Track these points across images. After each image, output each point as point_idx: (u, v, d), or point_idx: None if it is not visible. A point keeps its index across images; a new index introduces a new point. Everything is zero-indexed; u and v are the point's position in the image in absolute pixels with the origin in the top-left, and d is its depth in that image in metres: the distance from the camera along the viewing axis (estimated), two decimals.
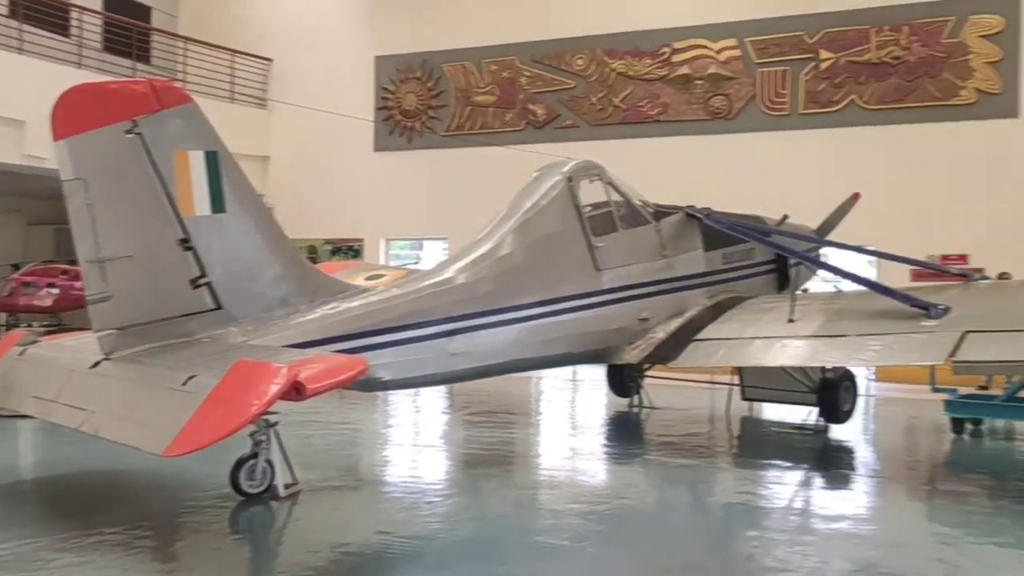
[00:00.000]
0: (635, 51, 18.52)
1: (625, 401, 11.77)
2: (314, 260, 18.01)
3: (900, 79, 16.47)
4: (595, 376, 12.81)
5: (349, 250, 20.71)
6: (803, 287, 11.08)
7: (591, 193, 8.91)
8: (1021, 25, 15.69)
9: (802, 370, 9.77)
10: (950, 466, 8.99)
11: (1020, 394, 9.91)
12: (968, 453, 9.41)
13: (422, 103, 20.48)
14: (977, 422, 10.23)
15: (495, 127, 19.72)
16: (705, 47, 17.93)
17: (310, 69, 21.09)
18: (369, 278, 10.83)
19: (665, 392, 11.76)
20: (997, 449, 9.65)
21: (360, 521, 6.12)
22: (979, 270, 12.55)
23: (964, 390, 10.53)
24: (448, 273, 7.75)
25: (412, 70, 20.59)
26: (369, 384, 6.65)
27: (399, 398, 11.71)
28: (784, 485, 7.83)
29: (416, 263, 19.88)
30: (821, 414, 10.15)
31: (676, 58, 18.18)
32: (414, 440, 9.98)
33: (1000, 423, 10.50)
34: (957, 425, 10.04)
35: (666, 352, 8.62)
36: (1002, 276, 12.97)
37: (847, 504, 7.24)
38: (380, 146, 20.85)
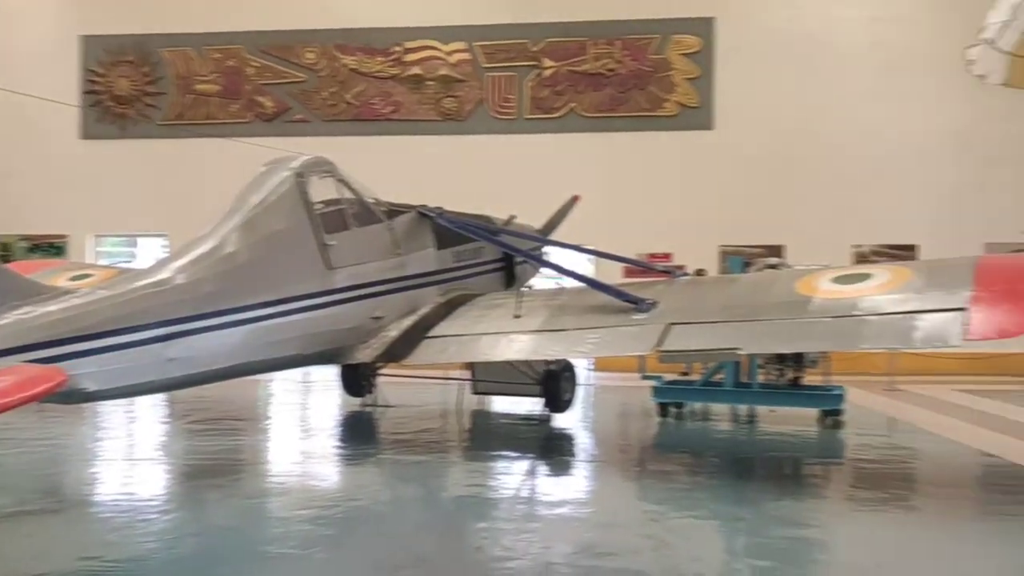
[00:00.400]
0: (367, 48, 18.42)
1: (359, 400, 11.67)
2: (7, 259, 16.12)
3: (614, 90, 17.75)
4: (328, 376, 12.56)
5: (50, 247, 18.71)
6: (528, 284, 11.60)
7: (322, 190, 8.73)
8: (714, 46, 17.48)
9: (527, 363, 10.19)
10: (657, 447, 9.82)
11: (714, 379, 11.07)
12: (672, 434, 10.33)
13: (137, 89, 19.00)
14: (680, 405, 11.26)
15: (220, 118, 18.75)
16: (436, 48, 18.24)
17: (1, 44, 18.80)
18: (74, 278, 9.89)
19: (400, 390, 11.79)
20: (696, 429, 10.66)
21: (61, 547, 5.53)
22: (681, 267, 13.78)
23: (669, 377, 11.57)
24: (165, 273, 7.23)
25: (125, 52, 19.04)
26: (71, 396, 6.04)
27: (109, 409, 10.77)
28: (511, 475, 8.15)
29: (130, 262, 18.38)
30: (545, 404, 10.67)
31: (408, 57, 18.33)
32: (127, 454, 9.22)
33: (699, 406, 11.62)
34: (663, 409, 11.00)
35: (399, 350, 8.65)
36: (699, 272, 14.36)
37: (568, 489, 7.67)
38: (88, 133, 19.08)
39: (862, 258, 16.46)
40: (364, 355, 8.70)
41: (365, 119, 18.39)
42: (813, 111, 16.97)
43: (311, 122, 18.47)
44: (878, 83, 16.92)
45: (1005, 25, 13.38)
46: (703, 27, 17.53)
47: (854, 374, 12.98)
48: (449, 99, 18.18)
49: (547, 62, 17.92)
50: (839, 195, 16.71)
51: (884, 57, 16.92)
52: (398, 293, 9.10)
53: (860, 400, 12.06)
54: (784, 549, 5.67)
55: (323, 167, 8.83)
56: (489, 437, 10.40)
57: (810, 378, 11.20)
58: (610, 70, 17.72)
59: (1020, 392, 13.82)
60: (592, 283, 9.08)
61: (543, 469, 8.57)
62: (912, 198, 16.68)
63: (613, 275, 12.53)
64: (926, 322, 6.44)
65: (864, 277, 7.40)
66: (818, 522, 6.45)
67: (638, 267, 12.50)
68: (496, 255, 10.84)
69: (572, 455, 9.29)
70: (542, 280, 12.84)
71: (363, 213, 9.06)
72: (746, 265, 11.67)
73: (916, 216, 16.61)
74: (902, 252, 16.33)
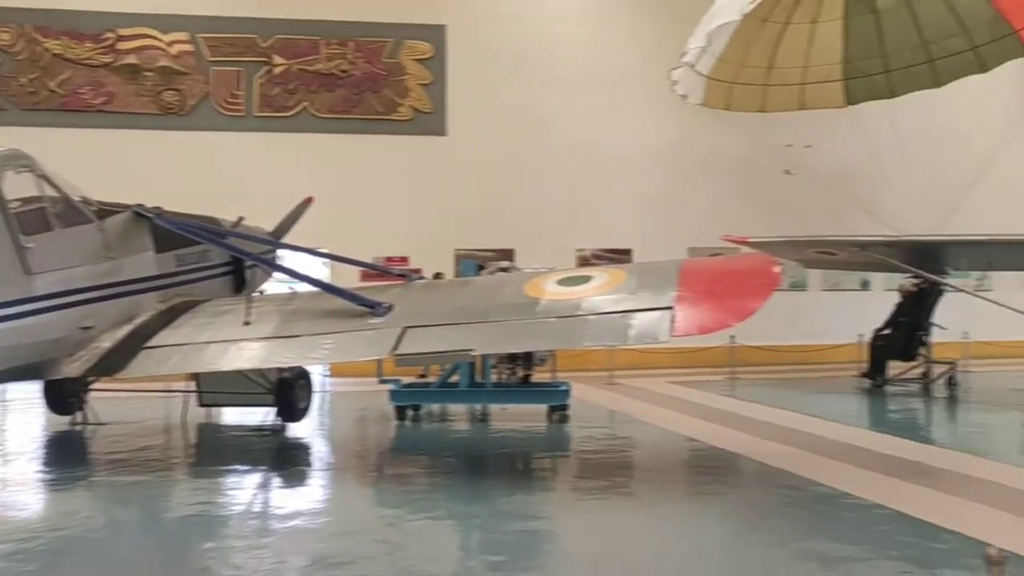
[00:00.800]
0: (74, 32, 16.80)
1: (67, 419, 10.61)
2: None
3: (348, 91, 17.54)
4: (30, 393, 11.30)
5: None
6: (260, 289, 11.16)
7: (19, 187, 7.87)
8: (446, 54, 17.82)
9: (259, 371, 9.80)
10: (395, 451, 9.84)
11: (450, 380, 11.29)
12: (410, 437, 10.39)
13: None
14: (417, 408, 11.35)
15: None
16: (154, 37, 17.02)
17: None
18: None
19: (114, 405, 10.88)
20: (433, 431, 10.81)
21: None
22: (417, 271, 13.93)
23: (406, 380, 11.63)
24: None
25: None
26: None
27: None
28: (242, 489, 7.78)
29: None
30: (279, 413, 10.32)
31: (122, 45, 16.94)
32: None
33: (436, 407, 11.79)
34: (401, 412, 11.03)
35: (114, 362, 8.01)
36: (436, 276, 14.62)
37: (303, 500, 7.45)
38: None
39: (584, 261, 17.53)
40: (72, 369, 7.98)
41: (72, 110, 16.75)
42: (539, 120, 17.80)
43: (6, 110, 16.52)
44: (596, 97, 18.10)
45: (702, 51, 14.82)
46: (435, 34, 17.81)
47: (578, 370, 13.83)
48: (170, 92, 17.04)
49: (277, 59, 17.34)
50: (564, 201, 17.66)
51: (602, 73, 18.13)
52: (111, 300, 8.42)
53: (584, 395, 12.82)
54: (516, 542, 5.88)
55: (20, 161, 7.95)
56: (217, 451, 9.87)
57: (539, 375, 11.77)
58: (343, 71, 17.51)
59: (719, 382, 15.42)
60: (327, 287, 8.93)
61: (276, 481, 8.27)
62: (627, 205, 18.01)
63: (350, 279, 12.38)
64: (639, 320, 6.95)
65: (585, 279, 7.86)
66: (547, 514, 6.77)
67: (374, 271, 12.46)
68: (224, 259, 10.34)
69: (307, 465, 9.05)
70: (275, 285, 12.42)
71: (69, 213, 8.27)
72: (479, 268, 12.02)
73: (630, 222, 17.96)
74: (619, 255, 17.61)
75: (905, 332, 14.47)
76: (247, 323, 8.05)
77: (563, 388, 11.22)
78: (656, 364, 16.04)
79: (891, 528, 6.12)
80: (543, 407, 11.08)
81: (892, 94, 16.24)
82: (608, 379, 15.14)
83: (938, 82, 15.85)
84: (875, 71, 16.27)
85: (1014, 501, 6.92)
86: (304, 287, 9.44)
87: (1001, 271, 16.52)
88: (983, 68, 15.22)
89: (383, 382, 11.42)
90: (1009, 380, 15.30)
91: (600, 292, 7.46)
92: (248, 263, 10.56)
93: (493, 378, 11.30)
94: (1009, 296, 15.33)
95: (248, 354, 7.87)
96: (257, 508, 7.19)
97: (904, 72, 16.04)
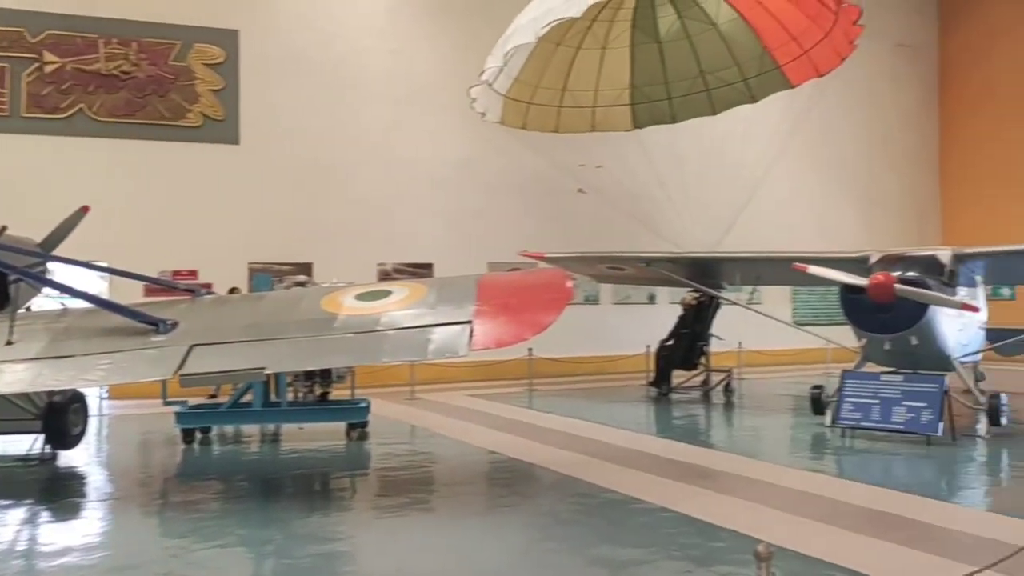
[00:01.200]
0: None
1: None
2: None
3: (130, 94, 16.44)
4: None
5: None
6: (26, 306, 10.19)
7: None
8: (239, 59, 17.13)
9: (25, 396, 8.95)
10: (181, 477, 9.26)
11: (244, 399, 10.81)
12: (198, 462, 9.84)
13: None
14: (206, 430, 10.79)
15: None
16: None
17: None
18: None
19: None
20: (224, 453, 10.30)
21: None
22: (207, 285, 13.27)
23: (194, 401, 11.01)
24: None
25: None
26: None
27: None
28: (3, 527, 7.04)
29: None
30: (48, 441, 9.47)
31: None
32: None
33: (228, 429, 11.25)
34: (188, 435, 10.44)
35: None
36: (232, 291, 13.99)
37: (76, 535, 6.82)
38: None
39: (385, 275, 17.39)
40: None
41: None
42: (338, 132, 17.52)
43: None
44: (397, 110, 18.06)
45: (499, 70, 15.16)
46: (228, 39, 17.07)
47: (379, 386, 13.70)
48: None
49: (49, 56, 15.98)
50: (364, 215, 17.46)
51: (403, 86, 18.12)
52: None
53: (384, 411, 12.70)
54: (312, 567, 5.69)
55: None
56: None
57: (339, 392, 11.52)
58: (125, 72, 16.40)
59: (518, 394, 15.75)
60: (104, 303, 8.29)
61: (45, 515, 7.55)
62: (428, 219, 18.08)
63: (132, 295, 11.59)
64: (438, 335, 6.94)
65: (385, 294, 7.78)
66: (345, 534, 6.61)
67: (159, 286, 11.74)
68: None
69: (82, 496, 8.33)
70: (44, 301, 11.39)
71: None
72: (274, 283, 11.62)
73: (431, 236, 18.03)
74: (420, 269, 17.63)
75: (687, 343, 15.43)
76: (10, 343, 7.32)
77: (362, 405, 11.05)
78: (456, 378, 16.18)
79: (676, 530, 6.47)
80: (342, 425, 10.86)
81: (674, 119, 17.38)
82: (409, 394, 15.07)
83: (714, 110, 17.16)
84: (658, 97, 17.35)
85: (780, 499, 7.52)
86: (78, 303, 8.72)
87: (769, 285, 18.01)
88: (753, 99, 16.62)
89: (168, 404, 10.75)
90: (776, 386, 16.72)
91: (400, 307, 7.40)
92: (12, 277, 9.60)
93: (289, 396, 10.95)
94: (776, 309, 16.85)
95: (10, 377, 7.14)
96: (21, 546, 6.52)
97: (684, 99, 17.23)
